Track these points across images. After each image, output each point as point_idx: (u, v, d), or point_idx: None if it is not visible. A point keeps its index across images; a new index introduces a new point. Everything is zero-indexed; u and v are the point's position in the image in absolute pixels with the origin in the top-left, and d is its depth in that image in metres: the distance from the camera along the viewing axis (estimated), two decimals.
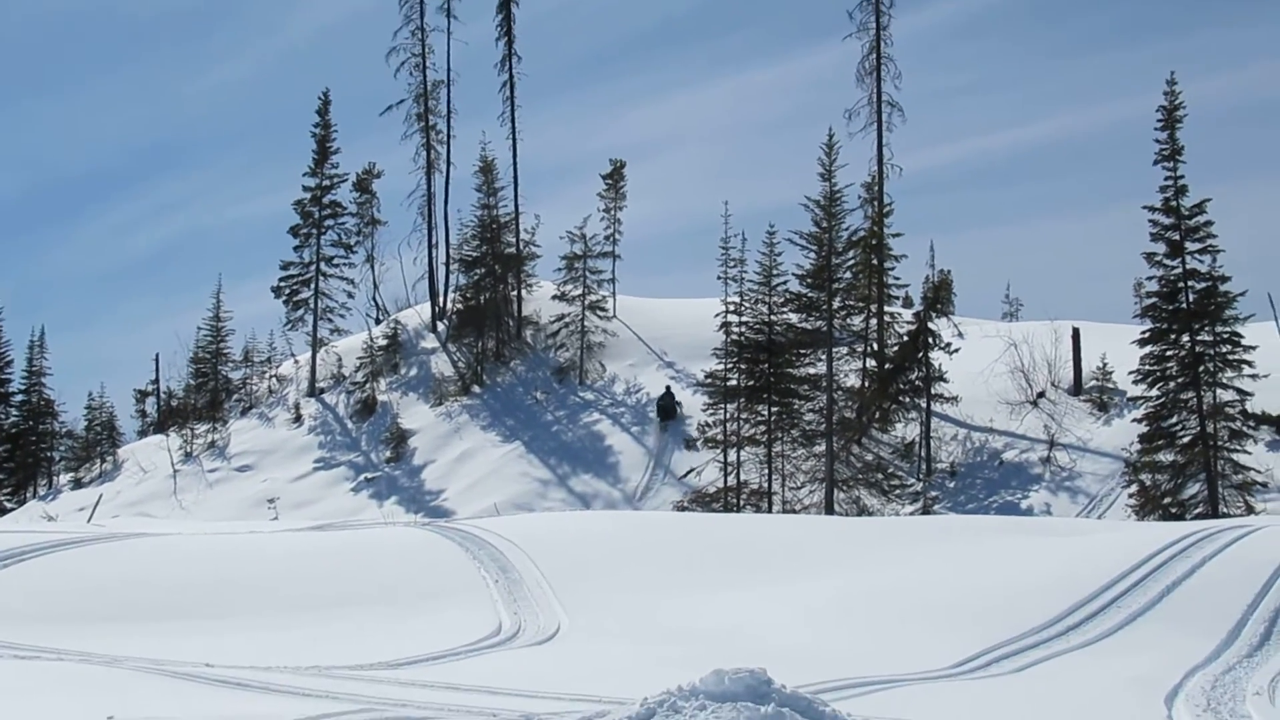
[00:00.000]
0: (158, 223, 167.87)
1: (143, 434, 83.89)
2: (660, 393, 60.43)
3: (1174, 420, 44.97)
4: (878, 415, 55.30)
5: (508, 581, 25.97)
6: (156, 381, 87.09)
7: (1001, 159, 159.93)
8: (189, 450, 67.56)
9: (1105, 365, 53.44)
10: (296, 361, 75.81)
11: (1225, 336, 44.77)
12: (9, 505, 78.40)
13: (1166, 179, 45.42)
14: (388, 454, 62.01)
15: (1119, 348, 51.15)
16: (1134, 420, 47.30)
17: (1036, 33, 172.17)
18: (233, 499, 60.11)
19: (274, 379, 75.69)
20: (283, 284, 74.70)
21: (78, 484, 71.34)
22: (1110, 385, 53.27)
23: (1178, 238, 45.30)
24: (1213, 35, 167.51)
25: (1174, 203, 45.32)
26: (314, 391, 71.50)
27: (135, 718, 13.01)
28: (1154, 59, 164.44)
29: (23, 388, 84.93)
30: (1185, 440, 44.49)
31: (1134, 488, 45.08)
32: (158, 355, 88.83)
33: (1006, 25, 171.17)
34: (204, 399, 77.02)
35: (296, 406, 69.97)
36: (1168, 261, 45.59)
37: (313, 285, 74.18)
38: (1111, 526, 33.57)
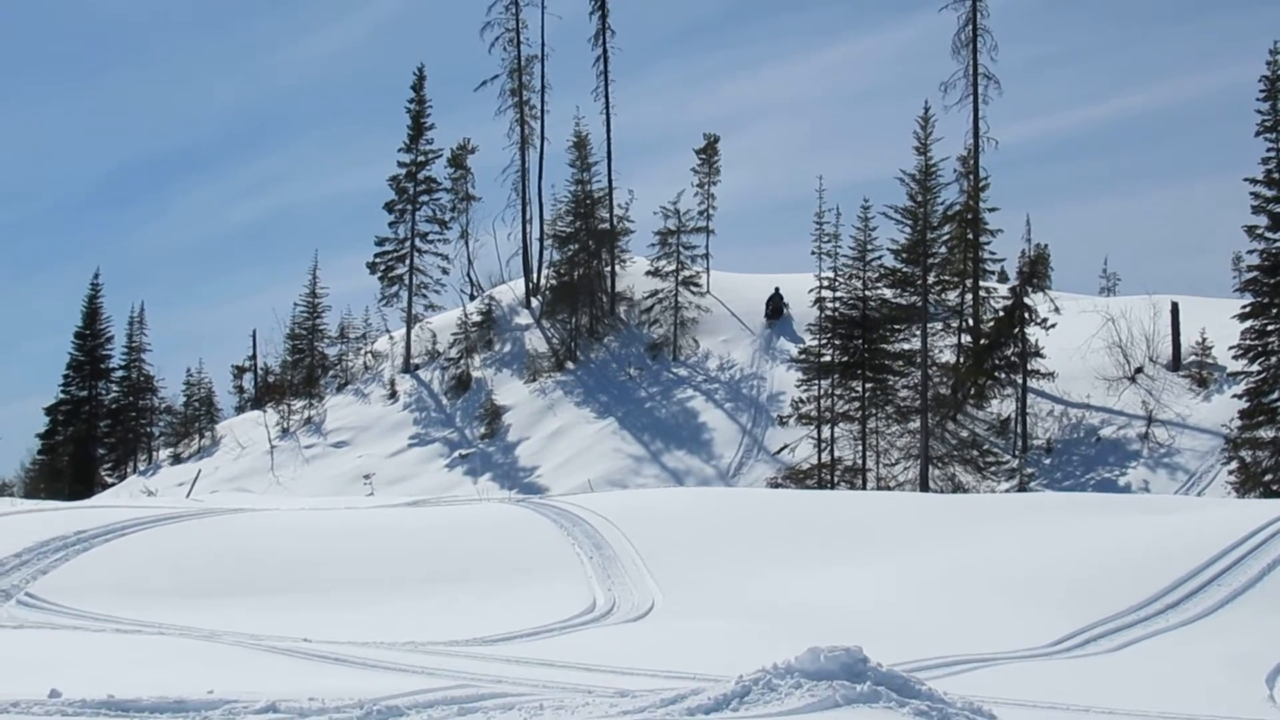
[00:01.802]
0: (254, 198, 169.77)
1: (240, 410, 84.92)
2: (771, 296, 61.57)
3: (1275, 396, 44.43)
4: (973, 391, 54.95)
5: (602, 558, 26.02)
6: (254, 357, 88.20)
7: (1097, 130, 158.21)
8: (286, 426, 68.20)
9: (1205, 340, 52.77)
10: (391, 337, 76.29)
11: None
12: (110, 480, 79.61)
13: (1269, 150, 44.82)
14: (482, 430, 62.29)
15: (1219, 322, 50.54)
16: (1234, 396, 46.74)
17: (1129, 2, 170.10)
18: (329, 475, 60.63)
19: (369, 355, 76.20)
20: (378, 260, 75.21)
21: (177, 459, 72.31)
22: (1210, 360, 52.61)
23: None
24: None
25: (1276, 175, 44.69)
26: (409, 368, 71.92)
27: (235, 690, 13.15)
28: (1256, 25, 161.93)
29: (123, 363, 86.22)
30: None
31: (1234, 464, 44.57)
32: (255, 331, 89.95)
33: None
34: (300, 375, 77.77)
35: (391, 383, 70.43)
36: (1269, 234, 45.02)
37: (408, 261, 74.61)
38: (1211, 504, 33.19)
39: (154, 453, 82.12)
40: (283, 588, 23.58)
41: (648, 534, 27.66)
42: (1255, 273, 45.74)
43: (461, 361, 69.39)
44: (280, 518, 30.96)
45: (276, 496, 50.35)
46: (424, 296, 75.01)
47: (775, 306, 66.97)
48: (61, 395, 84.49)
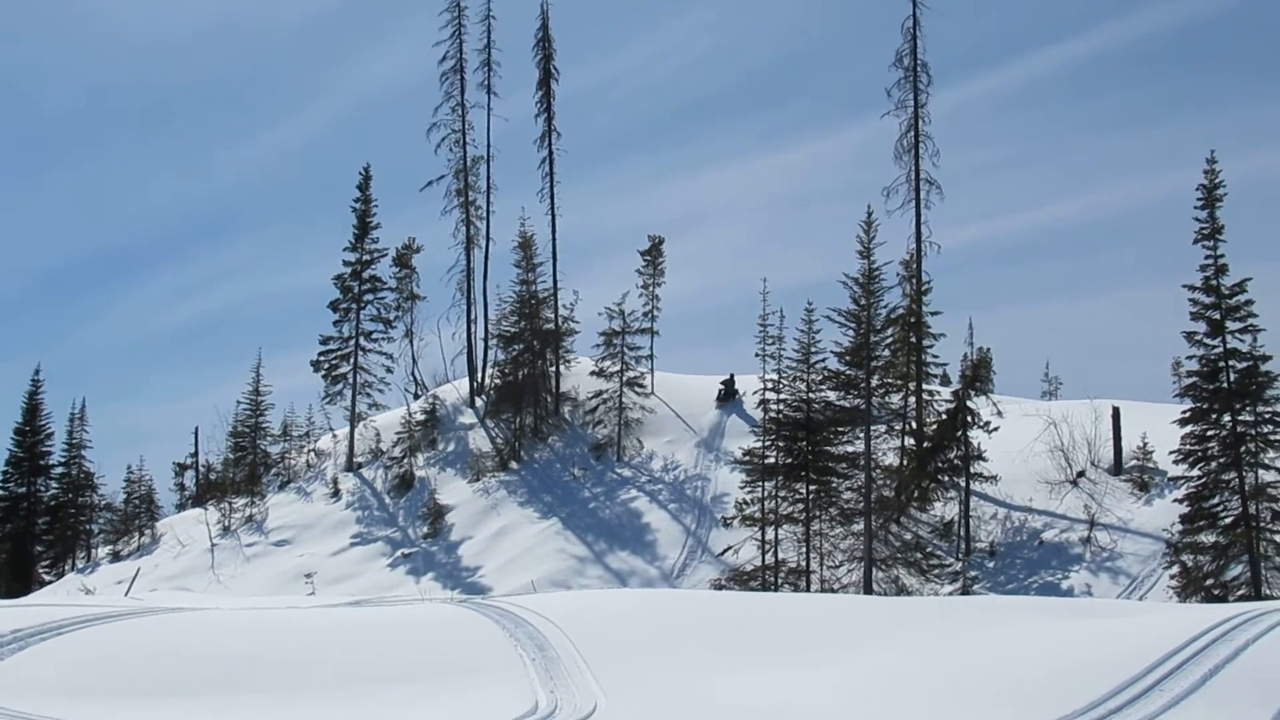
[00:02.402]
0: (198, 295, 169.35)
1: (181, 507, 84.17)
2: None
3: (1216, 501, 44.63)
4: (916, 494, 55.04)
5: (544, 659, 25.85)
6: (195, 455, 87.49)
7: (1039, 235, 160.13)
8: (227, 524, 67.69)
9: (1146, 445, 53.16)
10: (335, 436, 76.07)
11: (1267, 416, 44.45)
12: (48, 578, 78.73)
13: (1207, 257, 45.24)
14: (425, 529, 62.02)
15: (1160, 427, 50.89)
16: (1175, 500, 47.00)
17: (1074, 108, 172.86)
18: (270, 573, 60.13)
19: (312, 453, 75.93)
20: (322, 358, 75.10)
21: (116, 557, 71.56)
22: (1151, 465, 52.98)
23: (1218, 316, 45.08)
24: (1256, 110, 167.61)
25: (1214, 281, 45.14)
26: (352, 466, 71.67)
27: None
28: (1195, 135, 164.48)
29: (63, 460, 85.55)
30: (1228, 521, 44.13)
31: (1176, 569, 44.73)
32: (197, 429, 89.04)
33: (1043, 100, 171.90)
34: (242, 473, 77.28)
35: (334, 481, 70.11)
36: (1208, 340, 45.36)
37: (352, 360, 74.58)
38: (1154, 608, 33.26)
39: (93, 550, 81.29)
40: (222, 688, 23.30)
41: (591, 635, 27.50)
42: (1194, 378, 46.04)
43: (405, 460, 69.18)
44: (220, 616, 30.64)
45: (217, 595, 49.91)
46: (368, 395, 75.04)
47: (728, 390, 68.53)
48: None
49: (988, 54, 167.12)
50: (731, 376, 68.65)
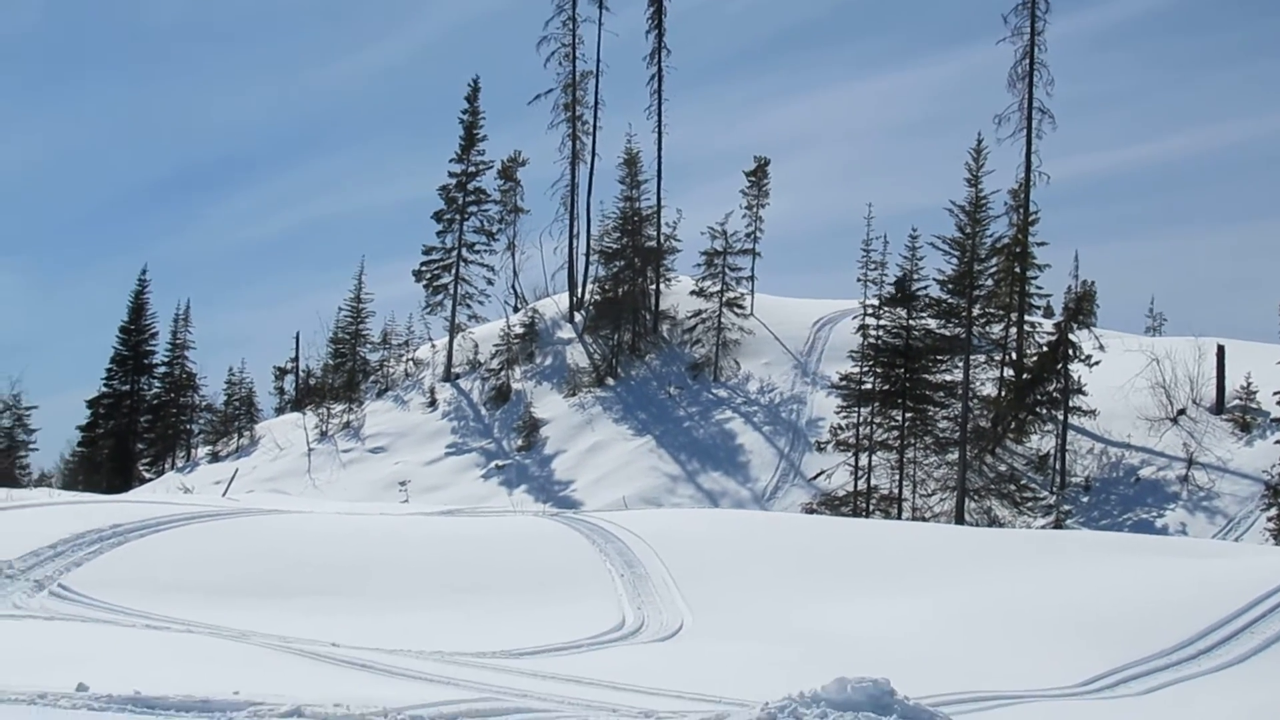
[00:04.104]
0: (304, 202, 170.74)
1: (280, 411, 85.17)
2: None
3: None
4: (1013, 425, 54.72)
5: (633, 576, 25.98)
6: (296, 360, 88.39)
7: (1147, 170, 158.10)
8: (324, 429, 68.39)
9: (1249, 385, 52.48)
10: (434, 346, 76.53)
11: None
12: (148, 475, 79.90)
13: None
14: (519, 442, 62.36)
15: (1265, 367, 50.23)
16: (1277, 442, 46.44)
17: (1192, 40, 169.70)
18: (365, 479, 60.75)
19: (410, 363, 76.43)
20: (424, 268, 75.45)
21: (215, 457, 72.62)
22: (1254, 405, 52.30)
23: None
24: None
25: None
26: (449, 377, 72.09)
27: (261, 692, 13.17)
28: None
29: (166, 360, 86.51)
30: None
31: (1274, 511, 44.24)
32: (298, 334, 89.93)
33: (1158, 33, 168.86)
34: (341, 379, 77.98)
35: (431, 391, 70.59)
36: None
37: (453, 271, 74.86)
38: (1249, 550, 32.93)
39: (193, 450, 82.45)
40: (314, 590, 23.60)
41: (680, 554, 27.61)
42: None
43: (502, 373, 69.50)
44: (314, 521, 31.00)
45: (312, 499, 50.47)
46: (468, 307, 75.40)
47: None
48: (104, 389, 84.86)
49: None
50: None
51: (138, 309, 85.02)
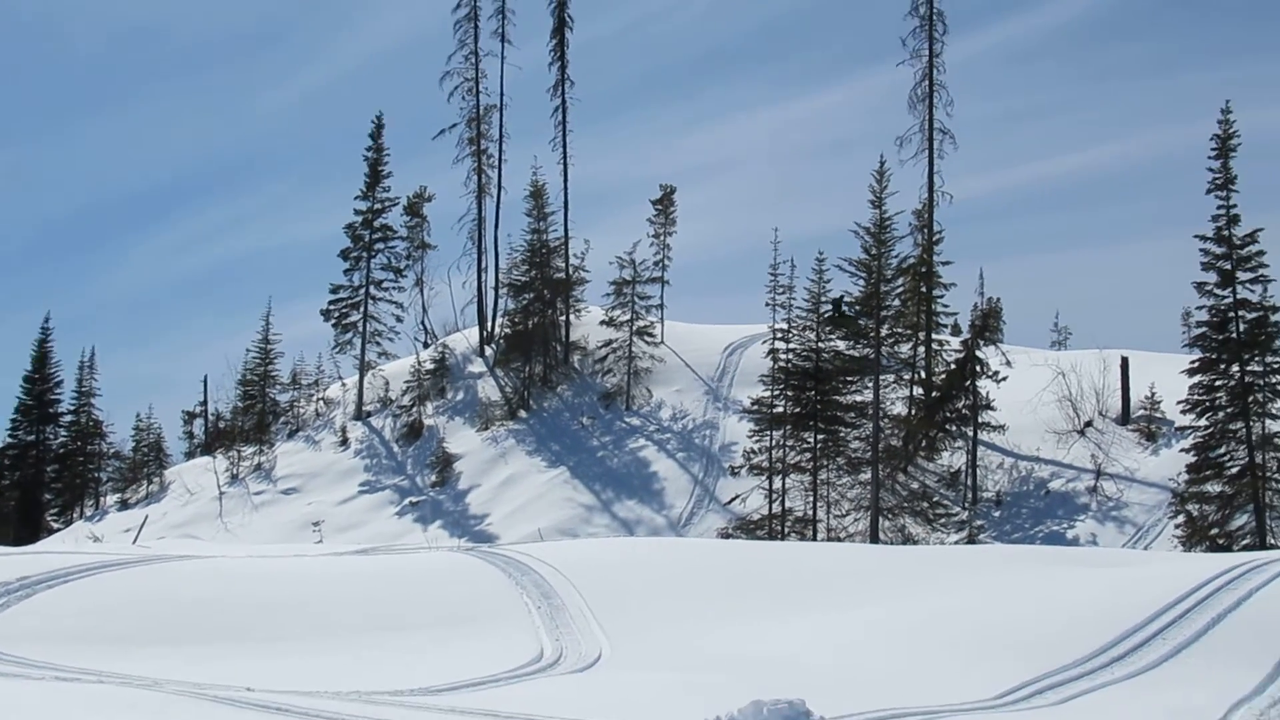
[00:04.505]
0: (210, 245, 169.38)
1: (190, 456, 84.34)
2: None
3: (1222, 451, 44.64)
4: (924, 443, 55.09)
5: (550, 608, 25.96)
6: (205, 403, 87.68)
7: (1052, 185, 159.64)
8: (235, 472, 67.83)
9: (1154, 395, 53.16)
10: (344, 385, 76.12)
11: (1275, 367, 44.41)
12: (56, 526, 78.91)
13: (1219, 208, 45.11)
14: (433, 478, 62.13)
15: (1168, 377, 50.88)
16: (1182, 450, 46.96)
17: (1088, 58, 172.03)
18: (278, 522, 60.29)
19: (321, 402, 75.97)
20: (332, 307, 75.08)
21: (124, 505, 71.73)
22: (1158, 415, 52.99)
23: (1229, 267, 44.98)
24: (1272, 62, 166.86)
25: (1226, 232, 45.03)
26: (361, 415, 71.75)
27: None
28: (1210, 85, 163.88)
29: (72, 408, 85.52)
30: (1233, 471, 44.15)
31: (1181, 518, 44.78)
32: (206, 377, 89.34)
33: (1057, 50, 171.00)
34: (251, 421, 77.33)
35: (343, 430, 70.21)
36: (1218, 291, 45.26)
37: (362, 308, 74.54)
38: (1158, 558, 33.33)
39: (101, 498, 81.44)
40: (228, 635, 23.41)
41: (596, 584, 27.62)
42: (1204, 328, 45.99)
43: (414, 409, 69.27)
44: (227, 565, 30.75)
45: (224, 543, 50.06)
46: (377, 344, 74.97)
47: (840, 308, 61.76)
48: (9, 439, 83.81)
49: (1004, 4, 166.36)
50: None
51: (41, 357, 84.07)
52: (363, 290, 74.97)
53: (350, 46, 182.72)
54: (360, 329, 74.39)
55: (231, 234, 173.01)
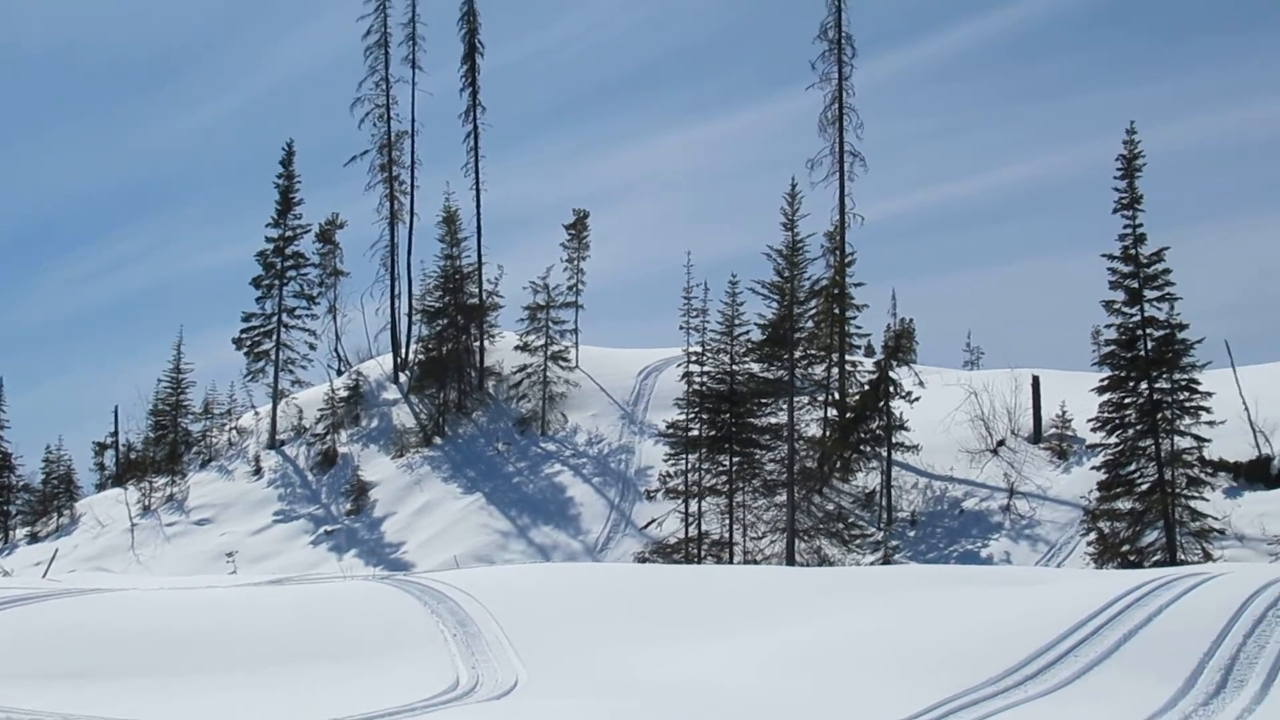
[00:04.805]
0: (119, 274, 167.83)
1: (101, 487, 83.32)
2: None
3: (1132, 468, 45.00)
4: (839, 465, 55.33)
5: (466, 635, 25.84)
6: (115, 434, 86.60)
7: (964, 205, 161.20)
8: (147, 504, 67.14)
9: (1065, 413, 53.63)
10: (257, 413, 75.60)
11: (1183, 384, 44.79)
12: None
13: (1125, 227, 45.52)
14: (348, 506, 61.79)
15: (1078, 395, 51.31)
16: (1093, 468, 47.39)
17: (997, 80, 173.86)
18: (191, 553, 59.72)
19: (234, 431, 75.41)
20: (244, 335, 74.58)
21: (34, 538, 70.85)
22: (1069, 433, 53.47)
23: (1136, 285, 45.38)
24: (1175, 81, 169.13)
25: (1133, 251, 45.44)
26: (274, 444, 71.27)
27: None
28: (1115, 105, 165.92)
29: None
30: (1144, 488, 44.52)
31: (1093, 535, 45.12)
32: (116, 408, 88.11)
33: (966, 73, 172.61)
34: (163, 452, 76.55)
35: (256, 459, 69.69)
36: (1126, 309, 45.67)
37: (274, 337, 74.11)
38: (1070, 575, 33.59)
39: (10, 532, 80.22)
40: (141, 669, 23.13)
41: (513, 610, 27.53)
42: (1113, 347, 46.36)
43: (328, 437, 68.87)
44: (139, 597, 30.40)
45: (137, 575, 49.52)
46: (290, 372, 74.59)
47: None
48: None
49: (912, 27, 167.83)
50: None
51: None
52: (275, 318, 74.54)
53: (261, 73, 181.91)
54: (273, 357, 73.93)
55: (141, 262, 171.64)
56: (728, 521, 51.52)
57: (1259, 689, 19.54)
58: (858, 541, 50.32)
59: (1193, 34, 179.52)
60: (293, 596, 30.69)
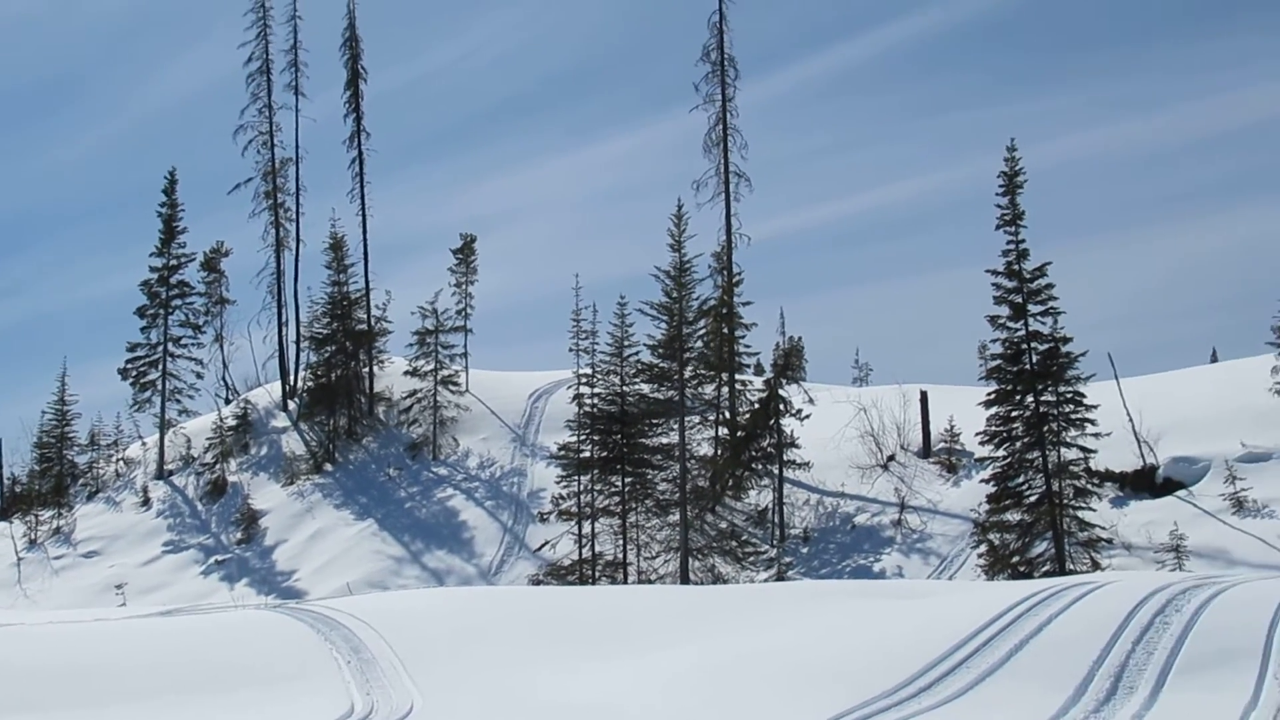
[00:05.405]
0: (0, 304, 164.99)
1: None
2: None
3: (1020, 480, 45.43)
4: (731, 483, 55.52)
5: (360, 662, 25.67)
6: None
7: (848, 223, 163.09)
8: (33, 537, 66.14)
9: (953, 427, 54.14)
10: (144, 444, 74.72)
11: (1068, 396, 45.31)
12: None
13: (1009, 243, 45.99)
14: (238, 535, 61.19)
15: (966, 410, 51.80)
16: (982, 481, 47.83)
17: (879, 98, 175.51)
18: (79, 586, 58.90)
19: (121, 462, 74.47)
20: (129, 365, 73.68)
21: None
22: (958, 447, 53.98)
23: (1020, 300, 45.88)
24: (1054, 97, 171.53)
25: (1016, 266, 45.94)
26: (162, 474, 70.47)
27: None
28: (995, 121, 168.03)
29: None
30: (1032, 499, 44.96)
31: (983, 548, 45.55)
32: (0, 441, 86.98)
33: (848, 91, 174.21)
34: (49, 484, 75.39)
35: (144, 490, 68.88)
36: (1011, 324, 46.15)
37: (160, 366, 73.30)
38: (961, 587, 33.92)
39: None
40: (31, 704, 22.77)
41: (407, 635, 27.39)
42: (998, 361, 46.82)
43: (217, 466, 68.19)
44: (27, 631, 29.96)
45: (24, 610, 48.81)
46: (178, 401, 73.71)
47: None
48: None
49: (798, 46, 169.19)
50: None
51: None
52: (161, 348, 73.73)
53: (142, 101, 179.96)
54: (159, 387, 73.13)
55: (21, 293, 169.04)
56: (621, 542, 51.54)
57: (1148, 695, 19.82)
58: (751, 559, 50.49)
59: (1073, 50, 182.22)
60: (184, 627, 30.37)
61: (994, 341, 47.28)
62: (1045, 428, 45.19)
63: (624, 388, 53.13)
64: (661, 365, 52.93)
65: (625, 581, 50.34)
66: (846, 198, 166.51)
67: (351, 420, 69.61)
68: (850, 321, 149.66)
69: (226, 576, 57.42)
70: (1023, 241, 45.99)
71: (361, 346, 71.27)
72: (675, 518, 51.06)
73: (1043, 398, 45.43)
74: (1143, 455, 48.86)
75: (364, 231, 73.88)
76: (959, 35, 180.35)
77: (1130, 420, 49.06)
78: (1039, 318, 45.96)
